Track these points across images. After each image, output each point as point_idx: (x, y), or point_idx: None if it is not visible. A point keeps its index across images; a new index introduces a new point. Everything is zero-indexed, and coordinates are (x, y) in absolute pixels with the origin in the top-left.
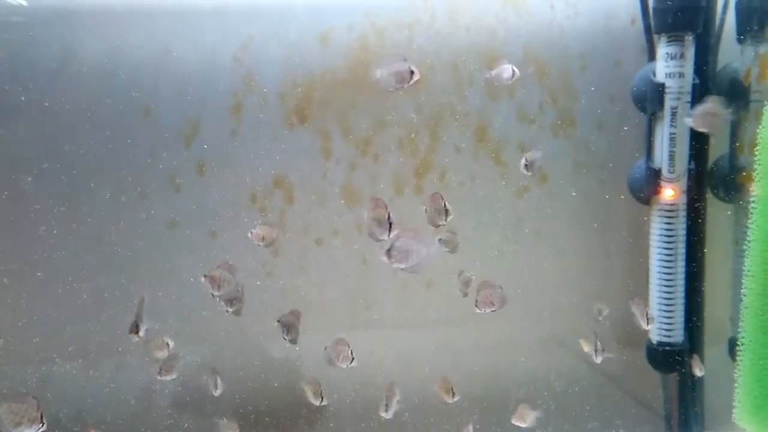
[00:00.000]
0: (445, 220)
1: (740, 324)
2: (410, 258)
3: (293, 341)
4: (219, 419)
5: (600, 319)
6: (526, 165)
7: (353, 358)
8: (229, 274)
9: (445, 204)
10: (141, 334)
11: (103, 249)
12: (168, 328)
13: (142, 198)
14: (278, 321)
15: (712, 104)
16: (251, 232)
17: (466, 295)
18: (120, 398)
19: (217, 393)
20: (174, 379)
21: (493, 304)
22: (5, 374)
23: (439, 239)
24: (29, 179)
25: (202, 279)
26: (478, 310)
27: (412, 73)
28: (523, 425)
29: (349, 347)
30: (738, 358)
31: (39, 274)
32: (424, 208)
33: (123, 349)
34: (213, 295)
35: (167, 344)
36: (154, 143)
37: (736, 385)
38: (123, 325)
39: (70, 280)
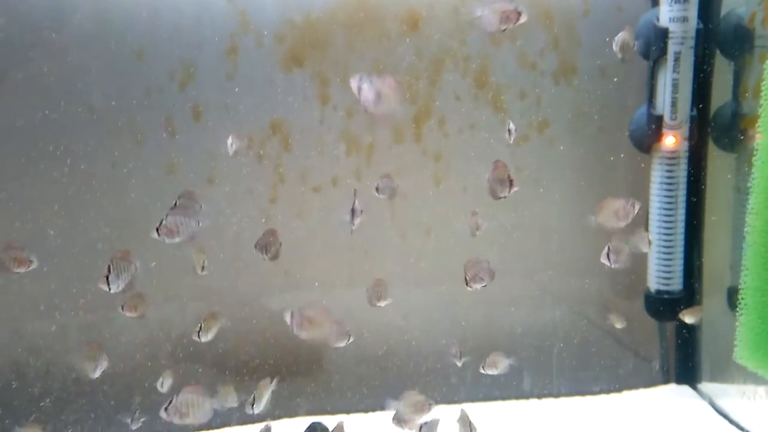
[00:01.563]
0: (509, 191)
1: (743, 263)
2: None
3: (274, 258)
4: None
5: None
6: (509, 131)
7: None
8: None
9: (509, 175)
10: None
11: (98, 197)
12: (168, 278)
13: (138, 144)
14: (255, 246)
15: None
16: None
17: (475, 235)
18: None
19: (208, 337)
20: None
21: (483, 279)
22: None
23: (377, 188)
24: (21, 123)
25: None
26: (470, 288)
27: (519, 14)
28: (494, 372)
29: (385, 287)
30: (740, 296)
31: (33, 216)
32: (486, 176)
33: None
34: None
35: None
36: (149, 87)
37: (737, 323)
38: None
39: (66, 226)
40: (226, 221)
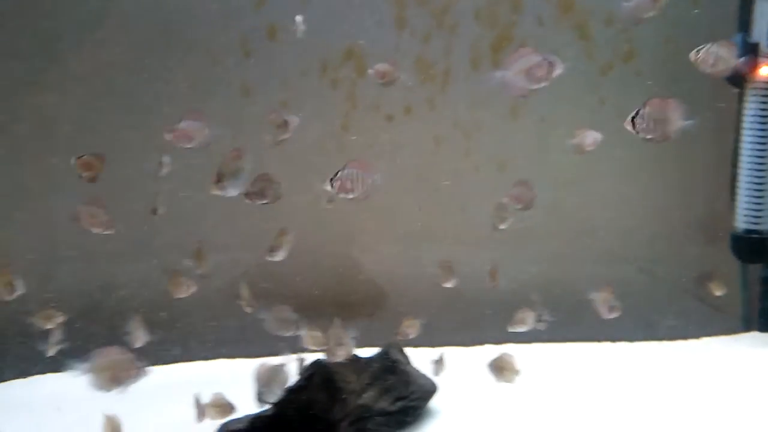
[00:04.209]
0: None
1: None
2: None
3: (274, 200)
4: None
5: None
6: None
7: None
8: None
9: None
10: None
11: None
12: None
13: (213, 63)
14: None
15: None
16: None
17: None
18: None
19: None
20: None
21: (520, 203)
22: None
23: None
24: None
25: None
26: (505, 201)
27: (551, 65)
28: (522, 329)
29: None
30: None
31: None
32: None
33: None
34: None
35: None
36: (225, 7)
37: None
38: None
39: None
40: (295, 148)
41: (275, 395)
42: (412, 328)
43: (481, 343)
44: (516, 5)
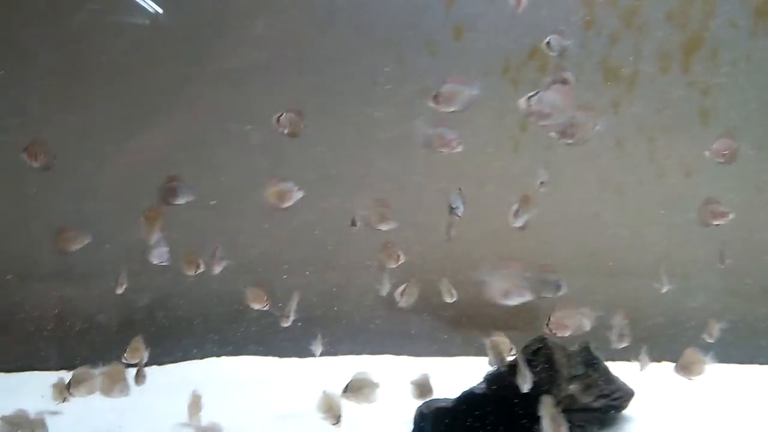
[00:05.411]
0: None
1: None
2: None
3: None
4: None
5: None
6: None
7: None
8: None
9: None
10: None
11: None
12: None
13: (399, 63)
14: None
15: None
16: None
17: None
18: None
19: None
20: None
21: (718, 218)
22: None
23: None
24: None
25: None
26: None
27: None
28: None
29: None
30: None
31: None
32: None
33: None
34: None
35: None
36: (414, 6)
37: None
38: None
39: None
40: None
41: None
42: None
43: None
44: (709, 7)
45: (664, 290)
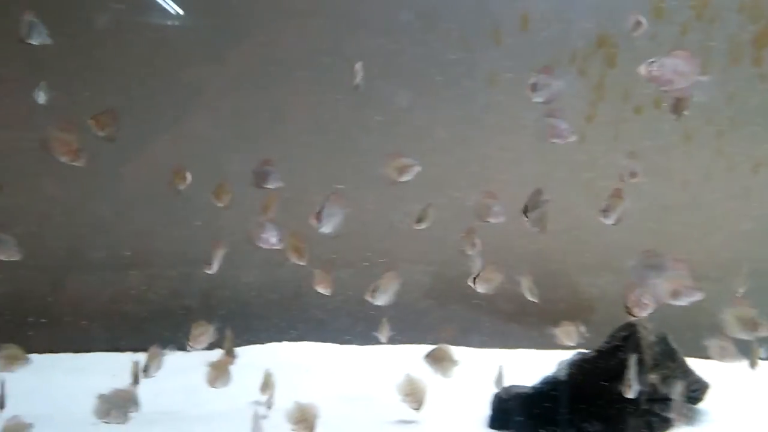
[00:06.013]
0: None
1: None
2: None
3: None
4: None
5: None
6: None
7: None
8: None
9: None
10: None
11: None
12: None
13: (467, 51)
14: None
15: None
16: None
17: None
18: None
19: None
20: None
21: None
22: None
23: None
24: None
25: None
26: None
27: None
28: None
29: None
30: None
31: None
32: None
33: None
34: None
35: None
36: None
37: None
38: None
39: None
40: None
41: None
42: None
43: None
44: None
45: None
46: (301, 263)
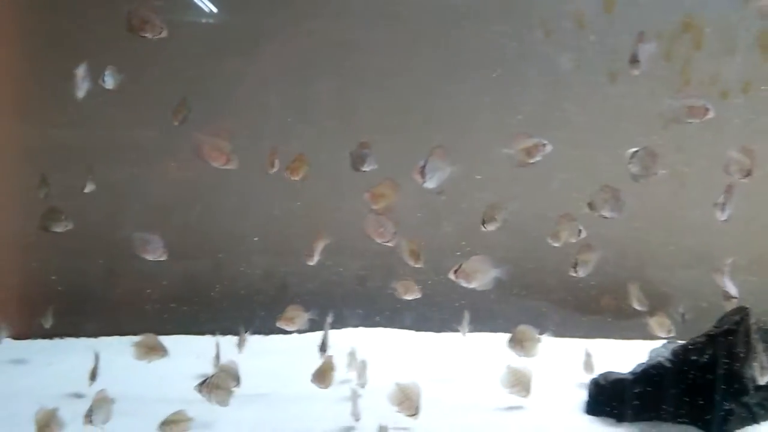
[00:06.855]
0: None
1: None
2: None
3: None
4: None
5: None
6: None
7: None
8: None
9: None
10: None
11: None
12: None
13: (546, 36)
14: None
15: None
16: None
17: None
18: None
19: None
20: None
21: None
22: None
23: None
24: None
25: None
26: None
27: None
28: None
29: None
30: None
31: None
32: None
33: None
34: None
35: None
36: None
37: None
38: None
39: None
40: (611, 123)
41: None
42: None
43: None
44: None
45: None
46: (418, 266)
